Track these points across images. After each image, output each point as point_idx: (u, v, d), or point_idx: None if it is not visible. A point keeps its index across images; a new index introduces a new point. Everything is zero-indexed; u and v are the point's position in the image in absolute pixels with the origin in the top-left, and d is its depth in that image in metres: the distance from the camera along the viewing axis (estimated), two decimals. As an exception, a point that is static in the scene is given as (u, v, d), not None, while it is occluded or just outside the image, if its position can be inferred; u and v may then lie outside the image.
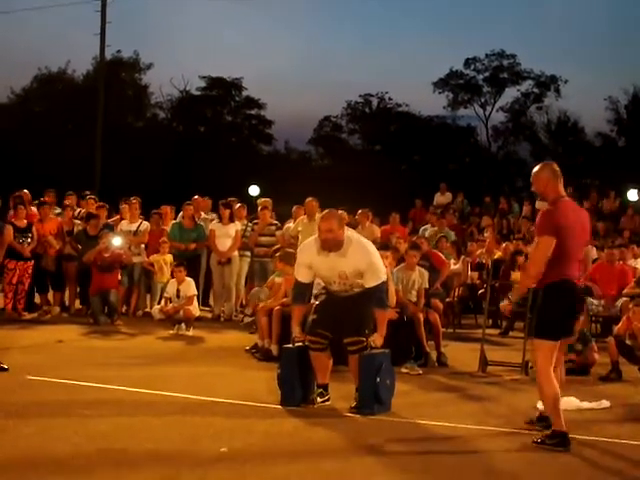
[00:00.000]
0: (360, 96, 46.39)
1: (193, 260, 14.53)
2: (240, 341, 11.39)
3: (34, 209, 15.04)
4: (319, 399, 7.52)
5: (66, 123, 37.49)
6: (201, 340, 12.13)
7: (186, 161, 39.06)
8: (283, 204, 17.83)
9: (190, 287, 13.11)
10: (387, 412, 7.29)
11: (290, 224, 14.82)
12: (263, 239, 14.76)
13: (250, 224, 15.14)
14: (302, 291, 7.66)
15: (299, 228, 14.03)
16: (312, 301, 8.34)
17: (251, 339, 11.05)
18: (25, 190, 15.86)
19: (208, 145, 41.40)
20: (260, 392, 8.02)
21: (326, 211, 7.50)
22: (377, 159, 43.65)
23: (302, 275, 7.56)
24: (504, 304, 6.52)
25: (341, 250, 7.22)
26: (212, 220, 15.40)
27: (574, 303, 6.53)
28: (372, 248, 7.45)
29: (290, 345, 7.77)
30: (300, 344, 7.60)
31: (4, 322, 12.15)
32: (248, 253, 14.94)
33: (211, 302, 15.41)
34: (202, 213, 15.92)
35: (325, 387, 7.60)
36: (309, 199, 14.34)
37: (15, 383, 8.18)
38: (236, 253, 14.69)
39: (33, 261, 14.00)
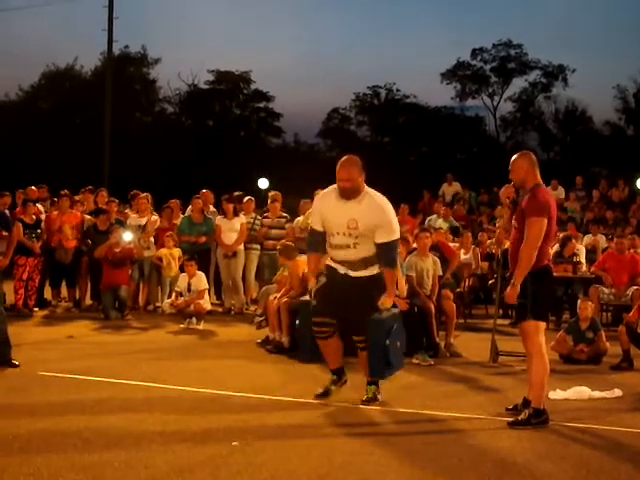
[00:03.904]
0: (368, 88, 46.29)
1: (203, 254, 14.54)
2: (251, 334, 11.38)
3: (40, 207, 15.14)
4: (333, 387, 7.44)
5: (74, 119, 37.50)
6: (212, 334, 12.13)
7: (195, 155, 39.06)
8: (292, 197, 17.81)
9: (201, 281, 13.13)
10: (397, 371, 7.52)
11: (300, 218, 14.79)
12: (273, 232, 14.75)
13: (259, 217, 15.13)
14: (317, 239, 7.38)
15: (309, 220, 14.00)
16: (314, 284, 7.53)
17: (262, 332, 11.06)
18: (33, 187, 16.01)
19: (217, 139, 41.40)
20: (272, 385, 8.03)
21: (345, 158, 7.23)
22: (386, 150, 43.59)
23: (317, 223, 7.33)
24: (509, 291, 6.55)
25: (358, 197, 7.04)
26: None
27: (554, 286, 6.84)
28: (390, 206, 7.19)
29: (307, 297, 7.63)
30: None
31: (15, 318, 12.14)
32: (257, 246, 14.94)
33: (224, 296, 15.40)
34: (210, 207, 15.93)
35: (338, 372, 7.50)
36: (318, 191, 14.30)
37: (26, 379, 8.21)
38: (242, 247, 14.69)
39: (43, 257, 14.07)
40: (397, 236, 7.18)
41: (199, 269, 13.29)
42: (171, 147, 38.31)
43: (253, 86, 45.62)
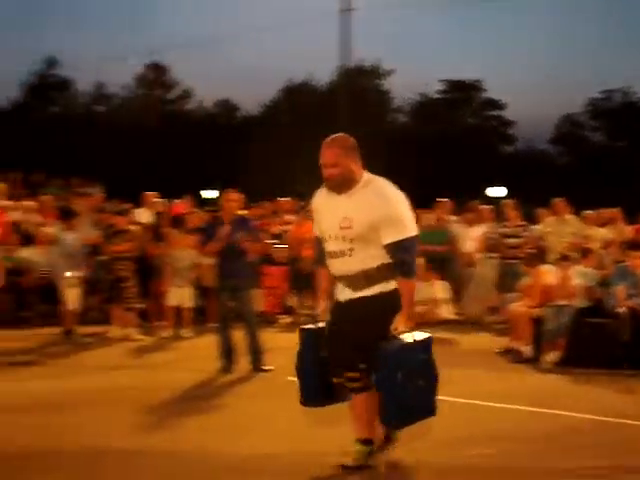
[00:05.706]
0: (601, 92, 44.99)
1: (443, 263, 14.56)
2: (490, 343, 11.38)
3: (290, 217, 15.88)
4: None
5: (309, 132, 38.70)
6: (450, 343, 12.15)
7: (426, 163, 39.34)
8: (523, 204, 17.56)
9: (438, 290, 13.25)
10: (423, 421, 5.45)
11: (537, 227, 14.65)
12: (511, 240, 14.60)
13: (496, 226, 15.01)
14: (321, 248, 5.61)
15: (548, 229, 13.89)
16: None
17: (501, 341, 11.04)
18: (284, 199, 17.05)
19: (446, 147, 41.54)
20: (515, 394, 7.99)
21: (330, 137, 5.48)
22: (623, 156, 42.11)
23: (316, 227, 5.72)
24: None
25: (352, 189, 5.36)
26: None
27: None
28: (398, 196, 5.37)
29: (310, 326, 5.71)
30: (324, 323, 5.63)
31: (263, 324, 12.66)
32: (496, 255, 14.80)
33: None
34: (451, 216, 15.86)
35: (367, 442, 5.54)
36: (557, 199, 14.20)
37: (277, 384, 8.68)
38: (480, 255, 14.64)
39: (288, 265, 14.72)
40: (410, 234, 5.30)
41: (442, 278, 13.48)
42: (404, 156, 38.77)
43: (485, 94, 45.54)
